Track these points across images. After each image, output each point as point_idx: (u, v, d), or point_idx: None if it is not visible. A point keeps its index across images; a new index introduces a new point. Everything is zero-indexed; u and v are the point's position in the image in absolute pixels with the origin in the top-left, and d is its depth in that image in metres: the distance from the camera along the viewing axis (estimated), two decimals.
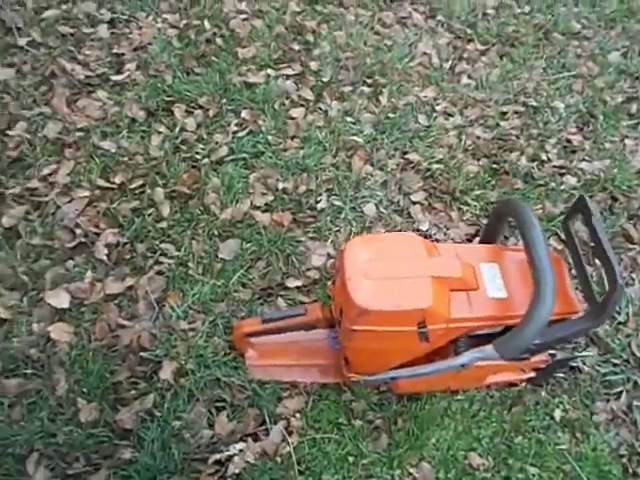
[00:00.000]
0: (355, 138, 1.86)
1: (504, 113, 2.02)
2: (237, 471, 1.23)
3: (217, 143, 1.80)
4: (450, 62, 2.16)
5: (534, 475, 1.31)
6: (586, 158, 1.91)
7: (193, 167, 1.74)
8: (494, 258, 1.23)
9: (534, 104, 2.05)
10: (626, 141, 1.99)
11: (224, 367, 1.36)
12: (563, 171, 1.86)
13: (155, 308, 1.44)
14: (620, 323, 1.54)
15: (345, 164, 1.80)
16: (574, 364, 1.45)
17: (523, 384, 1.43)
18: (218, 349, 1.39)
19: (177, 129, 1.81)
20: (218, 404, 1.32)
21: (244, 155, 1.78)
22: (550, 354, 1.31)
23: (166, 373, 1.32)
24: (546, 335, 1.15)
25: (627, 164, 1.90)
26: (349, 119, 1.93)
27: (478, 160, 1.87)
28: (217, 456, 1.24)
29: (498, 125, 1.97)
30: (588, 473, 1.31)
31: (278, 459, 1.27)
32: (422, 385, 1.35)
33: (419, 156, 1.83)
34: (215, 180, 1.70)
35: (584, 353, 1.46)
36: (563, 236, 1.24)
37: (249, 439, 1.28)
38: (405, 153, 1.86)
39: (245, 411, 1.32)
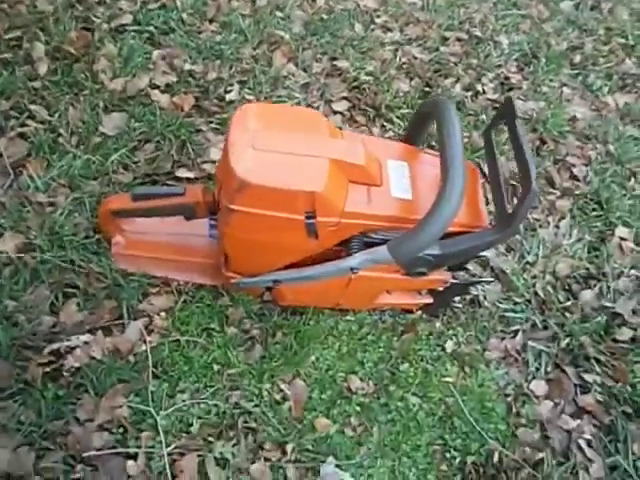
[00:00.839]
0: (281, 33, 1.66)
1: (446, 38, 1.87)
2: (77, 365, 1.05)
3: (121, 9, 1.54)
4: None
5: (414, 405, 1.21)
6: (521, 97, 1.81)
7: (87, 30, 1.48)
8: (405, 157, 1.09)
9: (478, 34, 1.91)
10: (564, 89, 1.90)
11: (83, 250, 1.16)
12: (496, 105, 1.74)
13: (10, 174, 1.21)
14: (528, 263, 1.46)
15: (266, 58, 1.60)
16: (474, 292, 1.35)
17: (418, 312, 1.33)
18: (79, 229, 1.18)
19: None
20: (68, 290, 1.13)
21: (151, 29, 1.54)
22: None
23: (7, 244, 1.10)
24: (447, 246, 1.03)
25: (561, 110, 1.81)
26: (279, 13, 1.72)
27: (411, 80, 1.71)
28: (55, 346, 1.05)
29: (437, 49, 1.82)
30: (471, 409, 1.23)
31: (131, 358, 1.10)
32: (308, 298, 1.21)
33: (348, 64, 1.66)
34: (111, 47, 1.46)
35: (484, 278, 1.37)
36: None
37: (99, 332, 1.10)
38: (334, 59, 1.68)
39: (100, 302, 1.13)
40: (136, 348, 1.11)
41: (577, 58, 2.02)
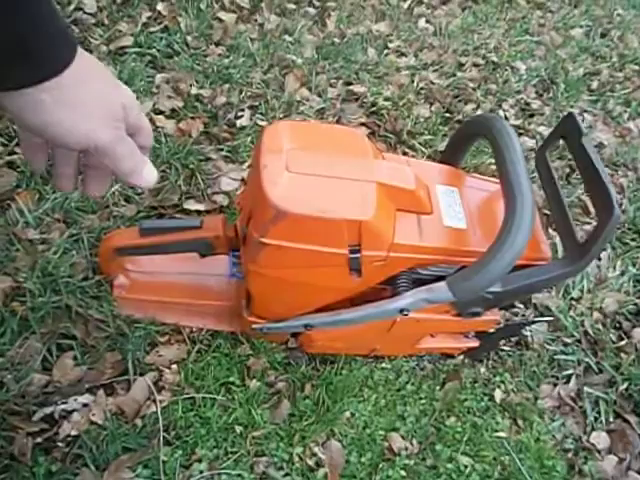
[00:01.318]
0: (293, 57, 1.55)
1: (462, 64, 1.79)
2: (74, 432, 0.87)
3: (120, 32, 1.42)
4: (409, 2, 1.91)
5: (466, 466, 1.04)
6: (544, 123, 1.72)
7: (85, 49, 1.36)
8: (454, 181, 0.96)
9: (495, 60, 1.84)
10: (585, 115, 1.82)
11: (80, 294, 1.00)
12: (520, 131, 1.65)
13: None
14: (573, 299, 1.32)
15: (277, 82, 1.49)
16: (525, 333, 1.21)
17: (460, 357, 1.18)
18: (76, 270, 1.02)
19: (71, 7, 1.42)
20: (63, 341, 0.96)
21: (153, 52, 1.42)
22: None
23: None
24: (510, 282, 0.89)
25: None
26: (288, 38, 1.62)
27: (431, 105, 1.61)
28: (48, 410, 0.88)
29: (454, 75, 1.73)
30: (529, 468, 1.07)
31: (138, 422, 0.93)
32: (341, 344, 1.06)
33: (365, 89, 1.55)
34: (111, 70, 1.33)
35: (541, 318, 1.23)
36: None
37: (100, 391, 0.93)
38: (349, 84, 1.57)
39: (101, 354, 0.96)
40: (144, 409, 0.94)
41: (594, 84, 1.95)
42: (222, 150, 1.31)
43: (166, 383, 0.98)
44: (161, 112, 1.32)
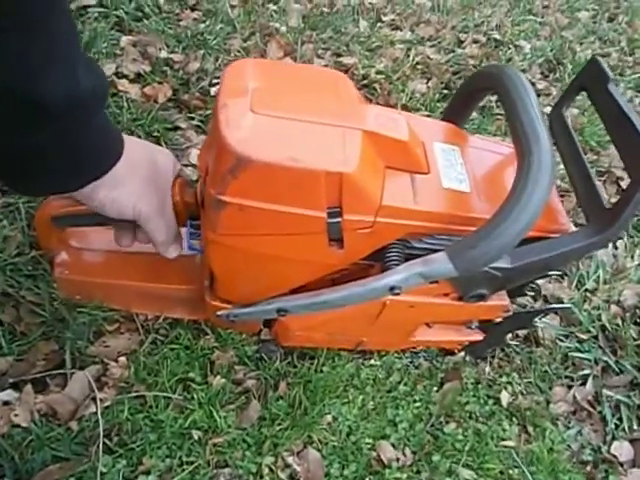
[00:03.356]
0: (276, 25, 1.41)
1: (461, 41, 1.65)
2: None
3: None
4: None
5: None
6: (551, 104, 1.58)
7: None
8: (455, 140, 0.81)
9: (497, 37, 1.70)
10: None
11: (12, 272, 0.84)
12: None
13: None
14: (588, 291, 1.17)
15: (258, 50, 1.34)
16: (537, 325, 1.05)
17: (461, 353, 1.02)
18: (9, 244, 0.86)
19: None
20: None
21: (119, 13, 1.28)
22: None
23: None
24: (521, 256, 0.74)
25: (597, 119, 1.58)
26: (272, 6, 1.48)
27: (428, 80, 1.47)
28: None
29: (454, 51, 1.59)
30: None
31: (73, 425, 0.76)
32: (322, 335, 0.90)
33: (356, 61, 1.41)
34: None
35: (559, 305, 1.07)
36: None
37: (27, 387, 0.76)
38: (339, 55, 1.43)
39: (34, 344, 0.81)
40: (82, 410, 0.78)
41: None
42: (193, 119, 1.16)
43: (111, 379, 0.82)
44: (125, 76, 1.17)
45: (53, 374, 0.80)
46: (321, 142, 0.63)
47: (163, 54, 1.22)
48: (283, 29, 1.40)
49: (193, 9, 1.38)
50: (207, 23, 1.34)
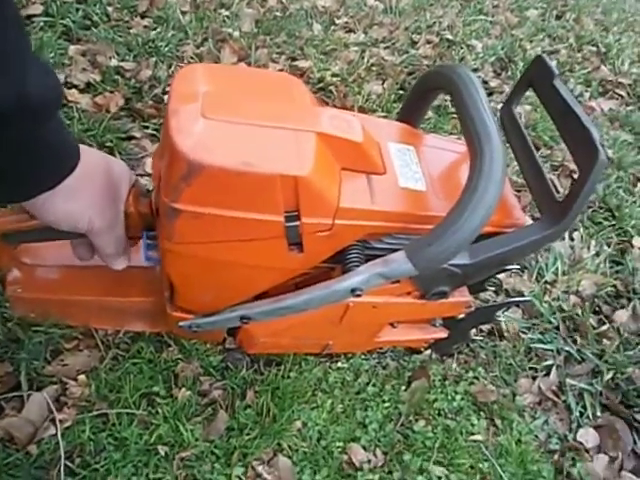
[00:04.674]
0: (229, 30, 1.40)
1: (415, 42, 1.67)
2: None
3: (29, 0, 1.25)
4: None
5: (440, 477, 0.89)
6: (504, 101, 1.60)
7: None
8: (409, 140, 0.82)
9: (449, 37, 1.72)
10: None
11: None
12: None
13: None
14: (547, 283, 1.20)
15: (212, 57, 1.33)
16: (500, 319, 1.07)
17: (427, 351, 1.03)
18: None
19: None
20: None
21: (66, 22, 1.24)
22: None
23: None
24: (479, 252, 0.75)
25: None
26: (224, 12, 1.47)
27: (383, 82, 1.48)
28: None
29: (407, 52, 1.61)
30: (512, 475, 0.92)
31: (32, 449, 0.74)
32: (287, 340, 0.89)
33: (311, 64, 1.41)
34: None
35: (519, 298, 1.09)
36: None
37: None
38: (294, 59, 1.42)
39: None
40: (41, 432, 0.75)
41: (553, 63, 1.87)
42: (147, 128, 1.14)
43: (70, 398, 0.79)
44: (74, 86, 1.14)
45: (8, 397, 0.77)
46: (275, 146, 0.62)
47: (114, 62, 1.20)
48: (236, 34, 1.39)
49: (143, 16, 1.35)
50: (158, 30, 1.32)
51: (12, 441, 0.74)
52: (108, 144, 1.06)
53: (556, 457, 0.97)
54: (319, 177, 0.63)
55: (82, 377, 0.81)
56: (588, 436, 1.01)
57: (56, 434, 0.75)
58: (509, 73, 1.73)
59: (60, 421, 0.76)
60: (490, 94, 1.63)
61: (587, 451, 0.99)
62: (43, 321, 0.83)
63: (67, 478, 0.73)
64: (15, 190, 0.54)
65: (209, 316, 0.80)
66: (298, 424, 0.88)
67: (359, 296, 0.72)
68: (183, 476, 0.78)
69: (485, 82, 1.65)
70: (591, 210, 1.40)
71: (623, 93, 1.88)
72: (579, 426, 1.02)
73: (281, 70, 1.37)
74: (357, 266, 0.72)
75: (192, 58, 1.30)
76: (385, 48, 1.59)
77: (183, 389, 0.85)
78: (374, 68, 1.50)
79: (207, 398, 0.86)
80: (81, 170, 0.57)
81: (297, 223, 0.65)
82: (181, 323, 0.81)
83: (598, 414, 1.03)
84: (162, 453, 0.78)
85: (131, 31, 1.30)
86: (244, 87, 0.69)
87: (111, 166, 0.67)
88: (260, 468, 0.81)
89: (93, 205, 0.63)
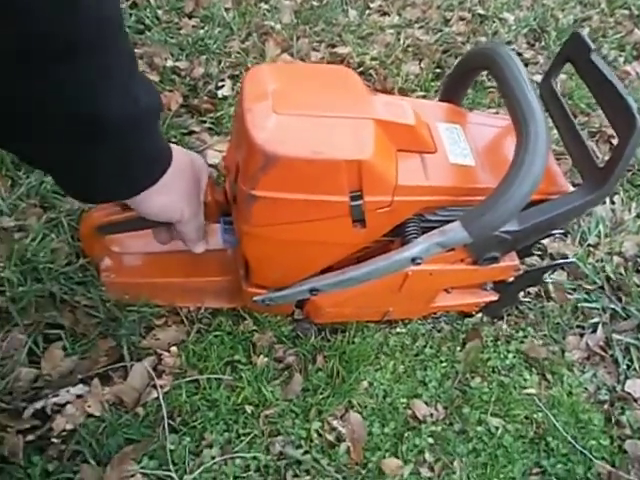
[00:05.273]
0: (271, 23, 1.47)
1: (448, 19, 1.71)
2: (69, 427, 0.80)
3: None
4: None
5: (497, 428, 0.97)
6: (539, 72, 1.64)
7: None
8: (456, 118, 0.88)
9: (481, 12, 1.76)
10: None
11: (65, 281, 0.92)
12: None
13: None
14: (590, 246, 1.25)
15: (257, 50, 1.41)
16: (547, 281, 1.14)
17: (478, 315, 1.10)
18: (58, 256, 0.94)
19: None
20: (50, 332, 0.88)
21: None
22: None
23: None
24: (527, 219, 0.82)
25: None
26: (264, 5, 1.54)
27: (420, 61, 1.53)
28: (38, 405, 0.80)
29: (441, 30, 1.66)
30: (564, 423, 0.99)
31: (140, 410, 0.85)
32: (351, 309, 0.98)
33: (350, 50, 1.47)
34: None
35: (563, 260, 1.15)
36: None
37: (95, 381, 0.85)
38: (333, 46, 1.49)
39: (93, 342, 0.89)
40: (144, 396, 0.86)
41: (586, 30, 1.87)
42: (205, 122, 1.23)
43: (166, 367, 0.90)
44: None
45: (115, 367, 0.88)
46: (338, 134, 0.70)
47: (169, 63, 1.29)
48: (278, 27, 1.46)
49: (190, 17, 1.44)
50: (206, 29, 1.40)
51: (122, 404, 0.85)
52: (173, 140, 1.16)
53: (606, 407, 1.04)
54: (379, 159, 0.71)
55: (174, 349, 0.92)
56: (636, 387, 1.07)
57: (158, 397, 0.86)
58: (542, 43, 1.76)
59: (160, 386, 0.87)
60: (525, 65, 1.64)
61: (635, 400, 1.06)
62: (135, 302, 0.94)
63: (171, 434, 0.84)
64: (121, 190, 0.62)
65: (281, 290, 0.89)
66: (365, 384, 0.97)
67: (419, 264, 0.80)
68: (268, 431, 0.88)
69: (519, 54, 1.68)
70: (631, 173, 1.43)
71: None
72: (627, 378, 1.08)
73: (322, 58, 1.44)
74: (415, 238, 0.80)
75: (239, 53, 1.38)
76: (419, 28, 1.64)
77: (261, 356, 0.95)
78: (410, 49, 1.56)
79: (282, 363, 0.96)
80: (173, 167, 0.65)
81: (361, 202, 0.74)
82: (255, 298, 0.91)
83: None
84: (249, 411, 0.89)
85: (181, 32, 1.39)
86: (306, 82, 0.77)
87: (193, 161, 0.76)
88: (335, 422, 0.91)
89: (183, 197, 0.71)
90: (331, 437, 0.89)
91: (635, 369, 1.09)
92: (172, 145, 0.67)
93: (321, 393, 0.93)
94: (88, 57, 0.46)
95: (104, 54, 0.47)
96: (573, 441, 0.97)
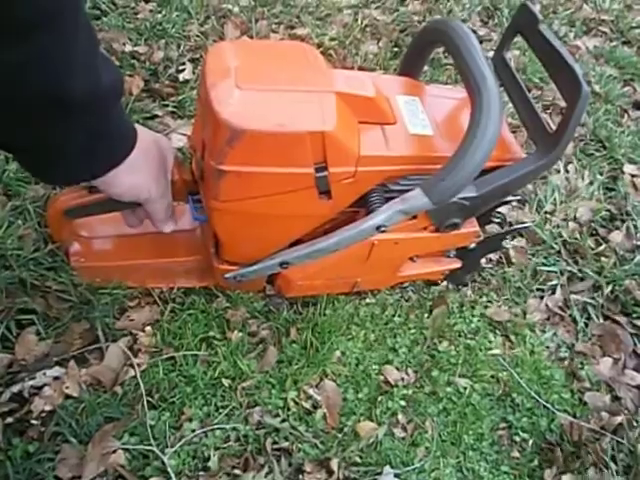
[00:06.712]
0: (229, 6, 1.47)
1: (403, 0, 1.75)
2: (48, 408, 0.80)
3: None
4: None
5: (465, 388, 1.01)
6: (493, 48, 1.68)
7: None
8: (414, 91, 0.91)
9: None
10: None
11: (34, 267, 0.92)
12: None
13: None
14: (547, 213, 1.31)
15: (216, 32, 1.41)
16: (506, 246, 1.19)
17: (444, 283, 1.15)
18: (25, 242, 0.94)
19: None
20: (22, 317, 0.88)
21: None
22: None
23: None
24: (484, 185, 0.86)
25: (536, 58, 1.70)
26: None
27: (378, 41, 1.56)
28: (15, 388, 0.80)
29: (397, 10, 1.69)
30: (528, 380, 1.05)
31: (118, 389, 0.86)
32: (321, 281, 1.01)
33: (309, 30, 1.49)
34: None
35: (521, 225, 1.20)
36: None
37: (71, 363, 0.86)
38: (292, 27, 1.50)
39: (67, 326, 0.89)
40: (122, 376, 0.87)
41: (537, 7, 1.94)
42: (167, 106, 1.23)
43: (142, 346, 0.91)
44: None
45: (90, 349, 0.89)
46: (301, 107, 0.72)
47: (128, 48, 1.28)
48: (236, 10, 1.46)
49: (147, 1, 1.43)
50: (163, 13, 1.40)
51: (100, 384, 0.86)
52: (136, 125, 1.15)
53: (566, 363, 1.10)
54: (341, 131, 0.74)
55: (148, 328, 0.93)
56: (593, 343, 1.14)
57: (135, 376, 0.87)
58: (496, 21, 1.81)
59: (137, 365, 0.88)
60: (480, 42, 1.70)
61: (593, 356, 1.12)
62: (107, 284, 0.95)
63: (150, 410, 0.85)
64: (88, 169, 0.62)
65: (252, 265, 0.91)
66: (338, 353, 1.00)
67: (384, 232, 0.83)
68: (246, 402, 0.90)
69: (474, 32, 1.71)
70: (583, 143, 1.50)
71: (606, 30, 1.96)
72: (585, 335, 1.14)
73: (282, 39, 1.45)
74: (379, 207, 0.83)
75: (198, 37, 1.38)
76: (376, 8, 1.66)
77: (235, 331, 0.97)
78: (368, 29, 1.58)
79: (257, 337, 0.98)
80: (139, 146, 0.66)
81: (325, 173, 0.76)
82: (227, 275, 0.93)
83: (601, 321, 1.15)
84: (226, 385, 0.91)
85: (138, 16, 1.38)
86: (268, 58, 0.78)
87: (158, 140, 0.77)
88: (310, 391, 0.94)
89: (151, 176, 0.72)
90: (307, 405, 0.92)
91: (592, 327, 1.15)
92: (136, 125, 0.68)
93: (296, 364, 0.96)
94: (48, 32, 0.46)
95: (64, 28, 0.47)
96: (536, 396, 1.03)
